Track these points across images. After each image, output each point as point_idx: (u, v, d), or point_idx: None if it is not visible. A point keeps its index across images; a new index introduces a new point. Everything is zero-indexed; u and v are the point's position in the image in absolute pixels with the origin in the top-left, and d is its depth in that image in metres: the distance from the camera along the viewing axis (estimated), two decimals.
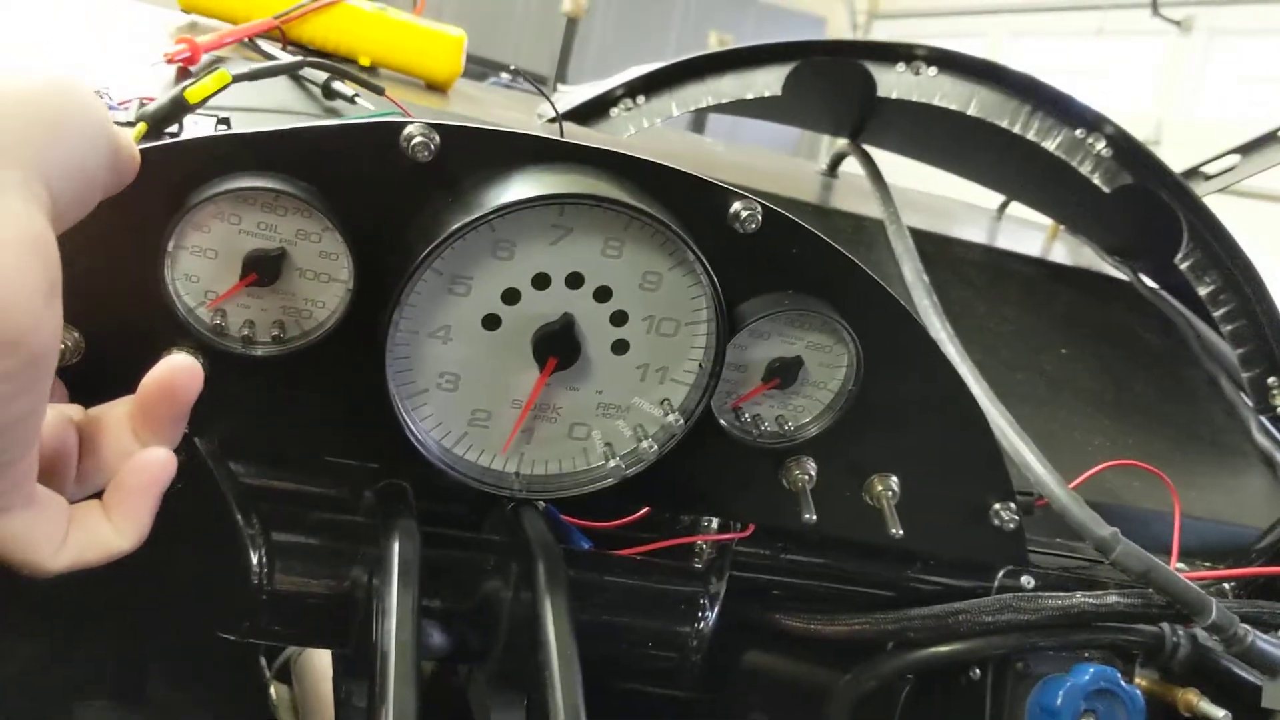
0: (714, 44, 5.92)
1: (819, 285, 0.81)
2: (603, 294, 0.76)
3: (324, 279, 0.73)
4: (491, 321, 0.75)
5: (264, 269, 0.71)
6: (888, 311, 0.84)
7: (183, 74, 1.15)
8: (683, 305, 0.77)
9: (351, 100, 1.14)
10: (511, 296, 0.75)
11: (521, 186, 0.71)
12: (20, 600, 1.04)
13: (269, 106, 1.07)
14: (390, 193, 0.72)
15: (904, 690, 1.01)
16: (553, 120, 1.43)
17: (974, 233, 1.66)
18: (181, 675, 1.22)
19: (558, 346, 0.75)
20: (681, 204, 0.75)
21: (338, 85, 1.14)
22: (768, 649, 1.02)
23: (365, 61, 1.40)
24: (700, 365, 0.79)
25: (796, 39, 1.39)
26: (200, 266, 0.71)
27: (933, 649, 0.95)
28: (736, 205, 0.77)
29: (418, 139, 0.71)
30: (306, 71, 1.13)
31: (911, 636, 0.95)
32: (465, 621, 0.82)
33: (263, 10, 1.35)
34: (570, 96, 1.49)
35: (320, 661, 1.26)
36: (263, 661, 1.31)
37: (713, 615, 0.87)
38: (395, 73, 1.43)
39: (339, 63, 1.33)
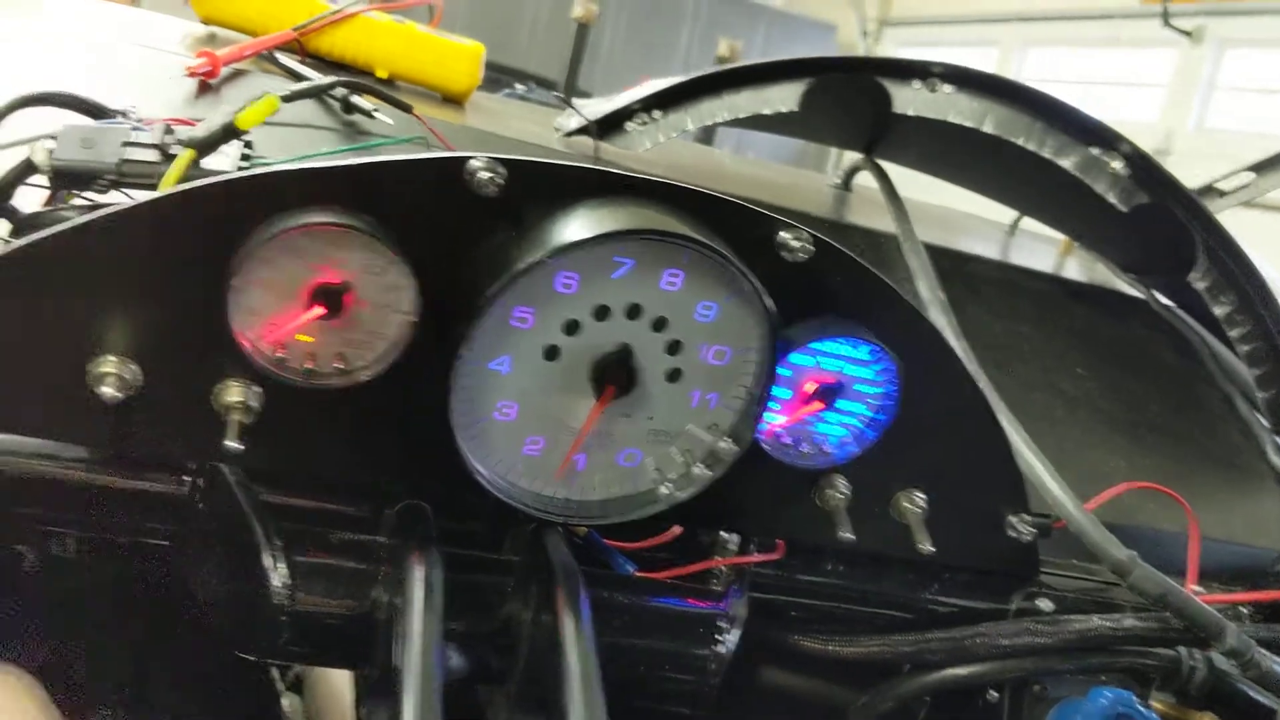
0: (724, 51, 5.90)
1: (859, 310, 0.82)
2: (660, 324, 0.76)
3: (386, 311, 0.73)
4: (551, 352, 0.76)
5: (330, 301, 0.71)
6: (921, 334, 0.85)
7: (203, 87, 1.16)
8: (736, 333, 0.78)
9: (370, 115, 1.14)
10: (572, 328, 0.75)
11: (587, 221, 0.71)
12: (30, 611, 1.04)
13: (290, 122, 1.07)
14: (454, 226, 0.73)
15: (921, 712, 1.01)
16: (571, 134, 1.44)
17: (987, 248, 1.66)
18: (194, 686, 1.22)
19: (616, 376, 0.76)
20: (733, 233, 0.76)
21: (357, 100, 1.14)
22: (784, 669, 1.02)
23: (383, 74, 1.40)
24: (750, 391, 0.80)
25: (808, 47, 1.40)
26: (264, 300, 0.71)
27: (950, 671, 0.96)
28: (785, 235, 0.78)
29: (483, 173, 0.71)
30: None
31: (929, 658, 0.96)
32: (485, 643, 0.82)
33: (281, 21, 1.36)
34: (584, 110, 1.49)
35: (333, 674, 1.26)
36: (275, 673, 1.31)
37: (733, 638, 0.87)
38: (412, 85, 1.44)
39: (357, 75, 1.34)
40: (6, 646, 1.09)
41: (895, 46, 10.36)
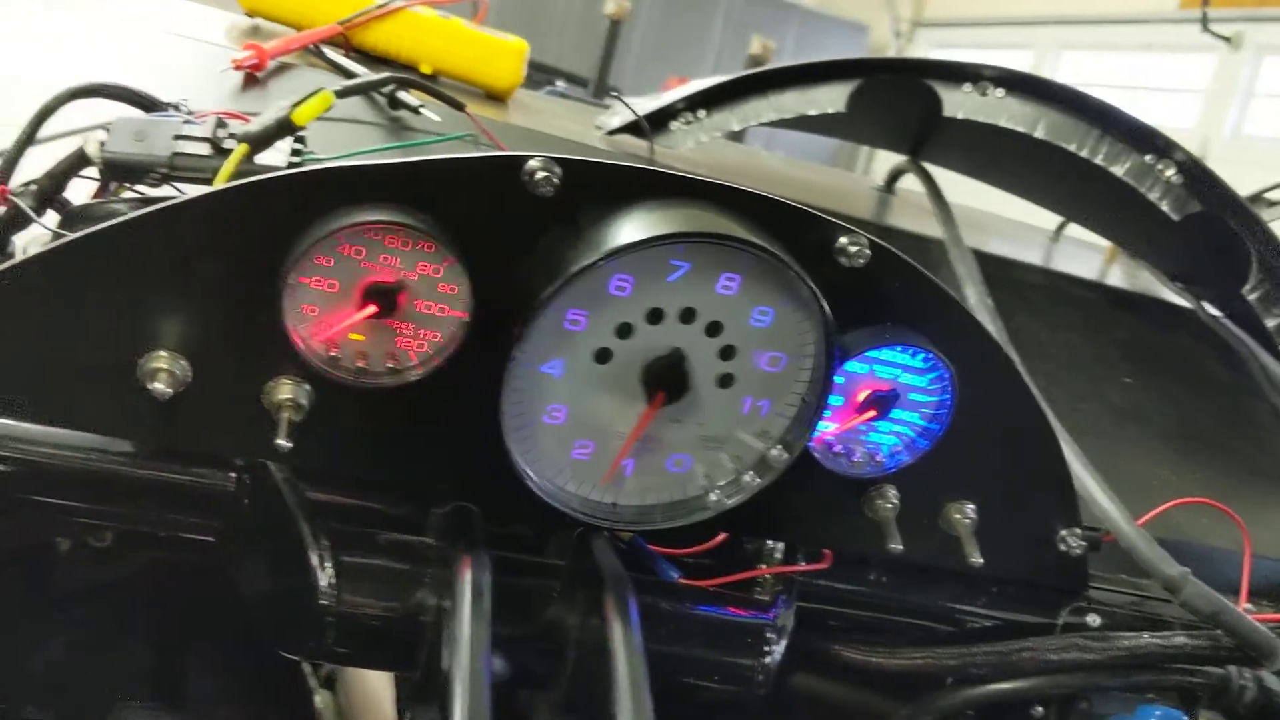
0: (756, 49, 5.88)
1: (917, 317, 0.80)
2: (714, 329, 0.75)
3: (440, 311, 0.72)
4: (603, 355, 0.75)
5: (384, 300, 0.70)
6: (978, 343, 0.84)
7: (249, 80, 1.16)
8: (791, 339, 0.77)
9: (416, 111, 1.14)
10: (625, 331, 0.74)
11: (644, 223, 0.70)
12: (55, 596, 1.05)
13: (336, 117, 1.06)
14: (509, 226, 0.72)
15: None
16: (614, 132, 1.43)
17: (1032, 254, 1.64)
18: (225, 680, 1.22)
19: (667, 381, 0.75)
20: (791, 236, 0.75)
21: (404, 96, 1.13)
22: (824, 679, 1.01)
23: (426, 69, 1.40)
24: (804, 399, 0.79)
25: (840, 47, 1.39)
26: (319, 298, 0.70)
27: (995, 685, 0.94)
28: (843, 240, 0.77)
29: (540, 173, 0.70)
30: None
31: (974, 672, 0.94)
32: (529, 647, 0.81)
33: (326, 15, 1.35)
34: (627, 110, 1.47)
35: (368, 671, 1.25)
36: (307, 669, 1.30)
37: (780, 649, 0.86)
38: (456, 81, 1.43)
39: (400, 70, 1.33)
40: (37, 636, 1.09)
41: (928, 48, 10.30)
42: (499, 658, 0.80)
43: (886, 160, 1.73)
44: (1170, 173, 1.30)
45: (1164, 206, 1.31)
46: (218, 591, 0.88)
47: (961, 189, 1.70)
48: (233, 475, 0.80)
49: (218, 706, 1.20)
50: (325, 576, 0.76)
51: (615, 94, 1.33)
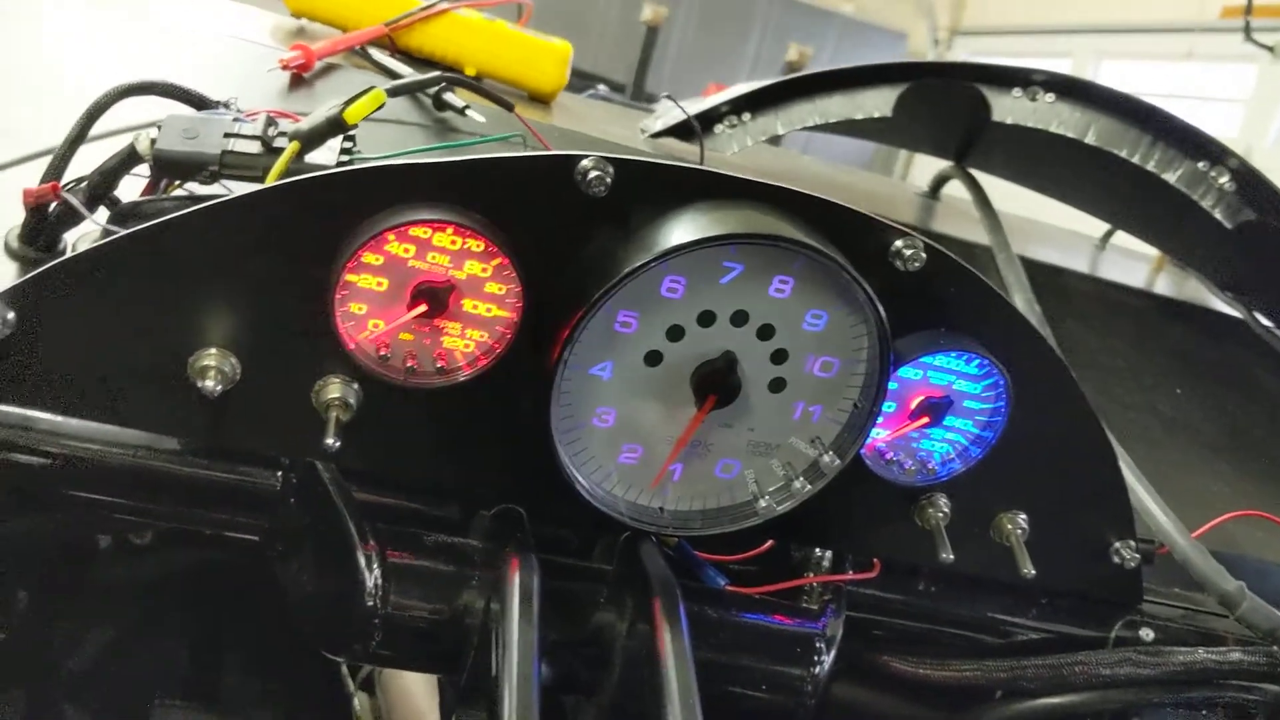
0: (794, 56, 5.86)
1: (972, 324, 0.79)
2: (765, 332, 0.74)
3: (489, 311, 0.72)
4: (653, 358, 0.74)
5: (434, 300, 0.69)
6: (1035, 352, 0.82)
7: (296, 80, 1.16)
8: (844, 344, 0.76)
9: (462, 113, 1.13)
10: (676, 333, 0.73)
11: (697, 224, 0.69)
12: (98, 592, 1.05)
13: (383, 118, 1.06)
14: (561, 226, 0.71)
15: None
16: (657, 135, 1.42)
17: (1079, 262, 1.62)
18: (263, 681, 1.22)
19: (719, 385, 0.74)
20: (845, 240, 0.74)
21: (449, 97, 1.13)
22: (870, 689, 0.99)
23: (471, 71, 1.39)
24: (856, 404, 0.77)
25: (878, 55, 1.37)
26: (369, 296, 0.70)
27: (1045, 699, 0.92)
28: (899, 243, 0.75)
29: (593, 173, 0.69)
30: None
31: (1025, 685, 0.92)
32: (574, 652, 0.80)
33: (371, 16, 1.35)
34: (668, 113, 1.47)
35: (405, 673, 1.25)
36: (345, 671, 1.30)
37: (829, 659, 0.85)
38: (499, 83, 1.42)
39: (446, 72, 1.33)
40: (78, 632, 1.10)
41: (966, 56, 10.24)
42: (545, 662, 0.79)
43: (925, 165, 1.71)
44: (1224, 180, 1.28)
45: (1217, 214, 1.28)
46: (261, 591, 0.87)
47: (1000, 194, 1.68)
48: (279, 474, 0.80)
49: (256, 708, 1.20)
50: (371, 577, 0.75)
51: (668, 96, 1.32)
